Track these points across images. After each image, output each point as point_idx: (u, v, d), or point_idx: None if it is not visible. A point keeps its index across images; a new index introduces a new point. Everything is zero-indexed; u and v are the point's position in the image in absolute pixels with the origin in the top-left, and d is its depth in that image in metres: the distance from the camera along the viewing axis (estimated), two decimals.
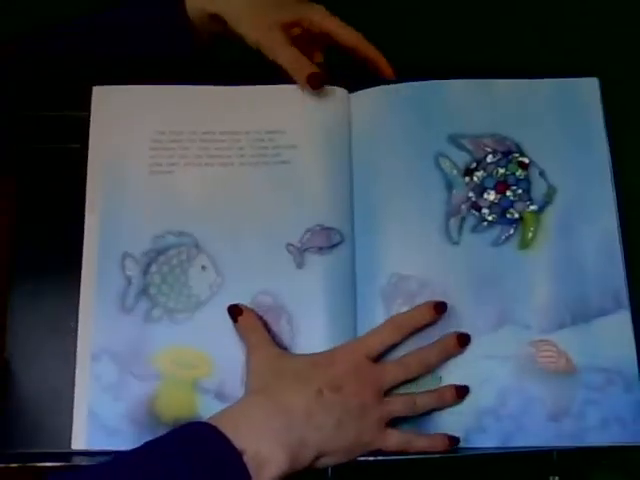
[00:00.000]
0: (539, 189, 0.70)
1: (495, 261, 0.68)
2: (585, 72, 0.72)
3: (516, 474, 0.73)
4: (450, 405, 0.65)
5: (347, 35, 0.73)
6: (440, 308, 0.66)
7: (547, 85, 0.72)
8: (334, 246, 0.68)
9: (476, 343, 0.66)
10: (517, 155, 0.70)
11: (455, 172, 0.70)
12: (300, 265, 0.68)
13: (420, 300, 0.67)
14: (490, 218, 0.69)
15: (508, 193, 0.70)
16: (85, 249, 0.68)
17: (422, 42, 0.88)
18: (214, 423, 0.60)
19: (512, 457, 0.66)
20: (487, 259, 0.68)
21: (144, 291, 0.67)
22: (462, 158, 0.70)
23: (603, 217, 0.69)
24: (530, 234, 0.68)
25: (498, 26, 0.90)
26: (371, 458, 0.63)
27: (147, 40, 0.73)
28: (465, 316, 0.67)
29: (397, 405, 0.64)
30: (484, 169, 0.70)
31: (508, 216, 0.69)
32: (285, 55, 0.71)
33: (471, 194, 0.70)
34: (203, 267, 0.68)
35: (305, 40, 0.74)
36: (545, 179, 0.70)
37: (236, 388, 0.65)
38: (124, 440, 0.64)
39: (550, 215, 0.69)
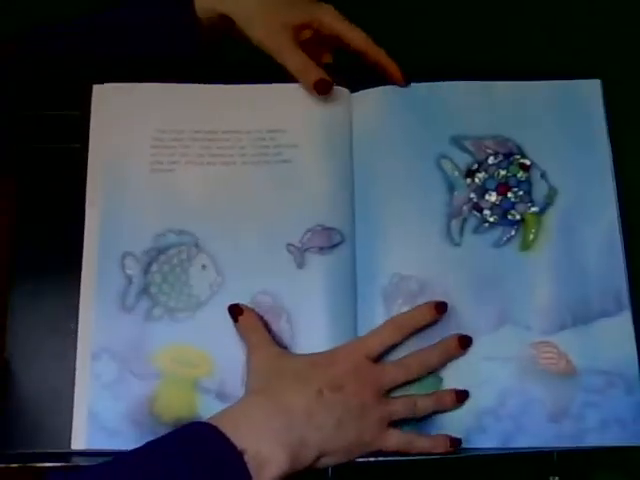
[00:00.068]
0: (540, 190, 0.70)
1: (496, 262, 0.68)
2: (587, 73, 0.72)
3: (516, 474, 0.73)
4: (450, 409, 0.65)
5: (357, 39, 0.72)
6: (441, 308, 0.66)
7: (549, 87, 0.72)
8: (335, 246, 0.68)
9: (477, 344, 0.66)
10: (518, 157, 0.70)
11: (456, 173, 0.70)
12: (300, 265, 0.68)
13: (421, 300, 0.67)
14: (491, 219, 0.69)
15: (509, 194, 0.70)
16: (85, 248, 0.68)
17: (429, 42, 0.88)
18: (214, 423, 0.59)
19: (512, 457, 0.66)
20: (488, 260, 0.68)
21: (145, 290, 0.67)
22: (464, 159, 0.70)
23: (604, 219, 0.69)
24: (531, 235, 0.68)
25: (505, 27, 0.90)
26: (372, 459, 0.63)
27: (147, 40, 0.73)
28: (466, 317, 0.67)
29: (397, 406, 0.64)
30: (485, 170, 0.70)
31: (509, 217, 0.69)
32: (293, 59, 0.71)
33: (472, 195, 0.70)
34: (203, 266, 0.68)
35: (314, 42, 0.74)
36: (546, 180, 0.70)
37: (237, 388, 0.65)
38: (124, 440, 0.64)
39: (551, 216, 0.69)
